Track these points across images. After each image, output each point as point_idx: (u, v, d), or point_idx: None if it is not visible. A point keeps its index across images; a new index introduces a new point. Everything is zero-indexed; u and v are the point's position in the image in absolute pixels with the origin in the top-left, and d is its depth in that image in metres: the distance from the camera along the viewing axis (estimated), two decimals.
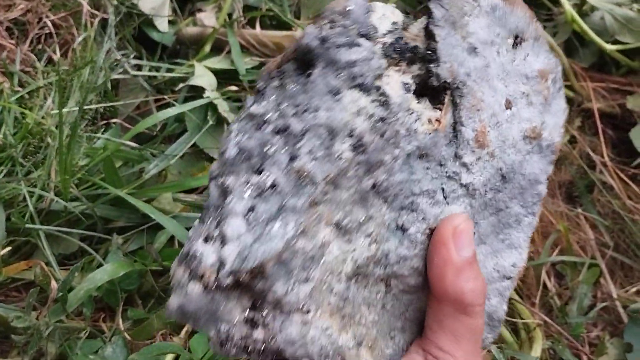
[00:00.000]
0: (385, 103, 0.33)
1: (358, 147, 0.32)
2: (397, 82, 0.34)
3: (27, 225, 0.63)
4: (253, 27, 0.86)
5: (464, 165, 0.36)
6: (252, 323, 0.31)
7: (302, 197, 0.32)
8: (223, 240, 0.31)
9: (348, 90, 0.33)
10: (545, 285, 0.72)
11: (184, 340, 0.63)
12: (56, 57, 0.79)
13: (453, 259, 0.32)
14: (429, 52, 0.35)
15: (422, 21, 0.36)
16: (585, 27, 0.81)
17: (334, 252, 0.34)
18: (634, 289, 0.72)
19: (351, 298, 0.34)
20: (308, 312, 0.32)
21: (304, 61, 0.33)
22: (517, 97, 0.38)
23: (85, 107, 0.71)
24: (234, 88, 0.79)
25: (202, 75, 0.78)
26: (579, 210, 0.77)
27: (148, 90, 0.79)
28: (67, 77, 0.74)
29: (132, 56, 0.79)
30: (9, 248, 0.64)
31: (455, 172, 0.36)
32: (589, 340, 0.69)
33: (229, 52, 0.83)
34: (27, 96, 0.74)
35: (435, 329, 0.34)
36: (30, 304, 0.56)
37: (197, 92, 0.78)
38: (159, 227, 0.69)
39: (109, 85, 0.76)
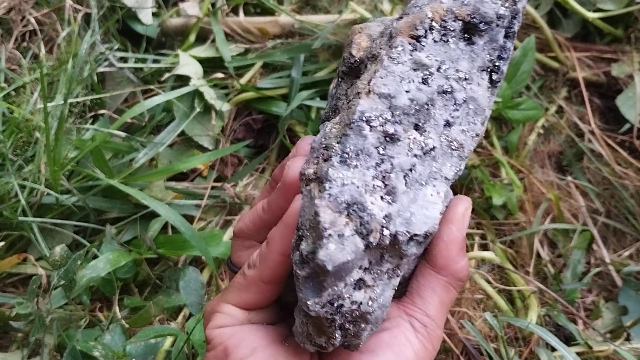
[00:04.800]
0: (488, 88, 0.34)
1: (484, 125, 0.33)
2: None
3: (20, 219, 0.64)
4: (237, 14, 0.86)
5: (461, 157, 0.39)
6: (358, 284, 0.30)
7: (452, 168, 0.32)
8: (392, 197, 0.30)
9: (486, 70, 0.34)
10: (538, 254, 0.72)
11: (181, 325, 0.64)
12: (41, 53, 0.79)
13: (460, 238, 0.35)
14: (504, 50, 0.35)
15: None
16: None
17: None
18: (626, 253, 0.72)
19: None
20: (398, 276, 0.32)
21: (470, 26, 0.33)
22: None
23: (72, 100, 0.72)
24: (220, 75, 0.79)
25: (188, 64, 0.78)
26: (569, 178, 0.78)
27: (135, 82, 0.79)
28: (52, 72, 0.74)
29: (115, 48, 0.79)
30: (2, 243, 0.64)
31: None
32: (584, 305, 0.70)
33: (213, 40, 0.83)
34: (14, 93, 0.75)
35: (426, 296, 0.36)
36: (33, 290, 0.56)
37: (183, 81, 0.78)
38: (151, 216, 0.69)
39: (95, 78, 0.76)
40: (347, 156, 0.30)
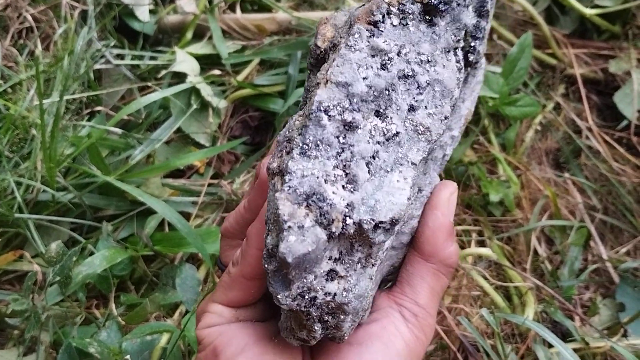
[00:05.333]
0: (459, 69, 0.33)
1: (453, 108, 0.33)
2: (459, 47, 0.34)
3: (16, 215, 0.64)
4: (234, 11, 0.86)
5: (452, 137, 0.38)
6: (330, 275, 0.30)
7: (418, 152, 0.31)
8: (353, 185, 0.30)
9: (451, 51, 0.33)
10: (535, 251, 0.72)
11: (177, 321, 0.64)
12: (38, 50, 0.79)
13: (446, 223, 0.35)
14: (478, 29, 0.34)
15: None
16: None
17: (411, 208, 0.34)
18: (623, 249, 0.72)
19: (387, 253, 0.34)
20: (373, 265, 0.32)
21: (430, 7, 0.32)
22: (475, 85, 0.41)
23: (68, 97, 0.72)
24: (217, 72, 0.79)
25: (184, 61, 0.78)
26: (567, 175, 0.77)
27: (131, 79, 0.79)
28: (48, 69, 0.74)
29: (112, 45, 0.79)
30: None
31: (445, 143, 0.38)
32: (581, 302, 0.70)
33: (210, 37, 0.83)
34: (10, 90, 0.74)
35: (415, 285, 0.36)
36: (29, 287, 0.56)
37: (180, 78, 0.78)
38: (148, 213, 0.69)
39: (91, 75, 0.76)
40: (307, 147, 0.30)
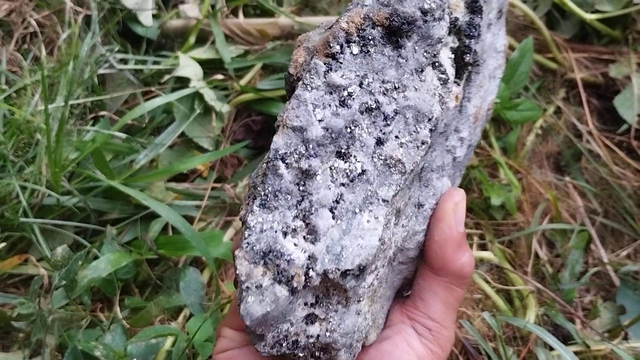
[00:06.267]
0: (444, 81, 0.31)
1: (432, 131, 0.30)
2: (445, 55, 0.32)
3: (21, 220, 0.64)
4: (236, 16, 0.87)
5: (461, 139, 0.36)
6: (310, 319, 0.29)
7: (390, 187, 0.29)
8: (314, 236, 0.28)
9: (427, 68, 0.30)
10: (537, 254, 0.73)
11: (181, 325, 0.64)
12: (42, 55, 0.79)
13: (454, 235, 0.34)
14: (472, 27, 0.33)
15: None
16: None
17: (394, 239, 0.32)
18: (624, 253, 0.72)
19: (382, 278, 0.33)
20: (359, 301, 0.30)
21: (393, 30, 0.30)
22: (494, 71, 0.39)
23: (72, 101, 0.72)
24: (219, 77, 0.80)
25: (188, 65, 0.79)
26: (567, 179, 0.78)
27: (135, 83, 0.80)
28: (53, 74, 0.75)
29: (115, 50, 0.79)
30: (4, 244, 0.65)
31: (453, 146, 0.36)
32: (582, 305, 0.70)
33: (213, 42, 0.83)
34: (15, 95, 0.75)
35: (427, 299, 0.35)
36: (35, 291, 0.57)
37: (183, 83, 0.79)
38: (152, 217, 0.70)
39: (95, 80, 0.77)
40: (266, 198, 0.28)
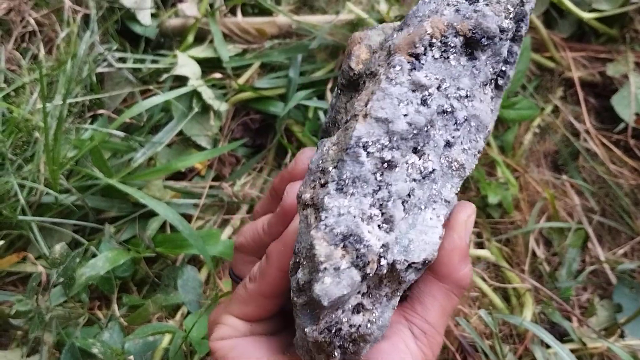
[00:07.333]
0: (491, 98, 0.33)
1: (486, 139, 0.33)
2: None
3: (20, 218, 0.64)
4: (235, 15, 0.87)
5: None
6: (357, 308, 0.30)
7: (452, 189, 0.31)
8: (389, 225, 0.29)
9: (489, 83, 0.33)
10: (534, 253, 0.73)
11: (179, 322, 0.64)
12: (41, 54, 0.79)
13: (462, 245, 0.35)
14: (511, 54, 0.34)
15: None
16: None
17: None
18: (621, 251, 0.73)
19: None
20: (398, 296, 0.31)
21: (472, 41, 0.31)
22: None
23: (71, 100, 0.72)
24: (218, 75, 0.80)
25: (186, 64, 0.79)
26: (565, 177, 0.78)
27: (133, 82, 0.80)
28: (51, 72, 0.75)
29: (114, 48, 0.80)
30: (2, 241, 0.65)
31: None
32: (579, 303, 0.70)
33: (211, 41, 0.84)
34: (13, 93, 0.75)
35: (426, 303, 0.36)
36: (33, 288, 0.57)
37: (182, 81, 0.79)
38: (150, 215, 0.70)
39: (93, 78, 0.77)
40: (343, 183, 0.29)
